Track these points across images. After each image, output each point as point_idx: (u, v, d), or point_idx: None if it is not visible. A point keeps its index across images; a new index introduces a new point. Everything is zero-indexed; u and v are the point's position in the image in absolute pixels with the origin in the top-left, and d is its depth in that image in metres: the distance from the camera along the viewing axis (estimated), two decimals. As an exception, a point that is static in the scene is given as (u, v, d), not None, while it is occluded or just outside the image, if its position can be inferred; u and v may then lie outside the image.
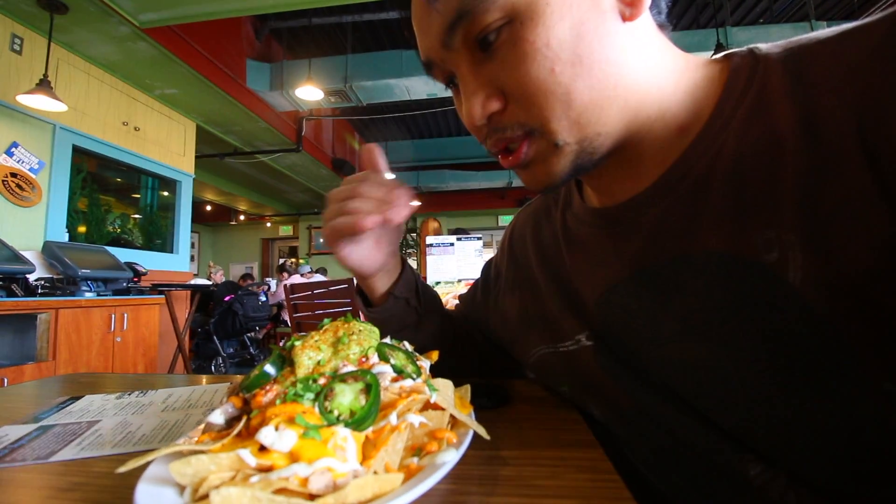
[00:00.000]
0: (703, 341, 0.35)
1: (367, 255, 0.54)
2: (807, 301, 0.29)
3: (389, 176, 0.51)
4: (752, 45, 0.38)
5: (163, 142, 4.28)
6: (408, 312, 0.61)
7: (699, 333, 0.35)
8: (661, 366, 0.39)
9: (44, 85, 2.71)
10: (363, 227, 0.44)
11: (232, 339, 5.07)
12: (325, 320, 0.41)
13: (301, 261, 9.39)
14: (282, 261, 8.42)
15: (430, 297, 0.64)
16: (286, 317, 5.01)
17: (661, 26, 0.40)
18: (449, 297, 2.74)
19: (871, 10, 4.68)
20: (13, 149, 2.92)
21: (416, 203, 0.47)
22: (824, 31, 0.34)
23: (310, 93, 4.45)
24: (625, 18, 0.36)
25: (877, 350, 0.28)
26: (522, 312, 0.57)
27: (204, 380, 0.67)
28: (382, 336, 0.42)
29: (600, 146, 0.38)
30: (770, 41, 0.37)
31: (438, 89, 4.96)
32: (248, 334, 5.20)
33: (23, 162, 2.98)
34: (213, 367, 4.81)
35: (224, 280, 6.14)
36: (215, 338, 4.82)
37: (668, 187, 0.38)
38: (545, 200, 0.60)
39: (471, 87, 0.38)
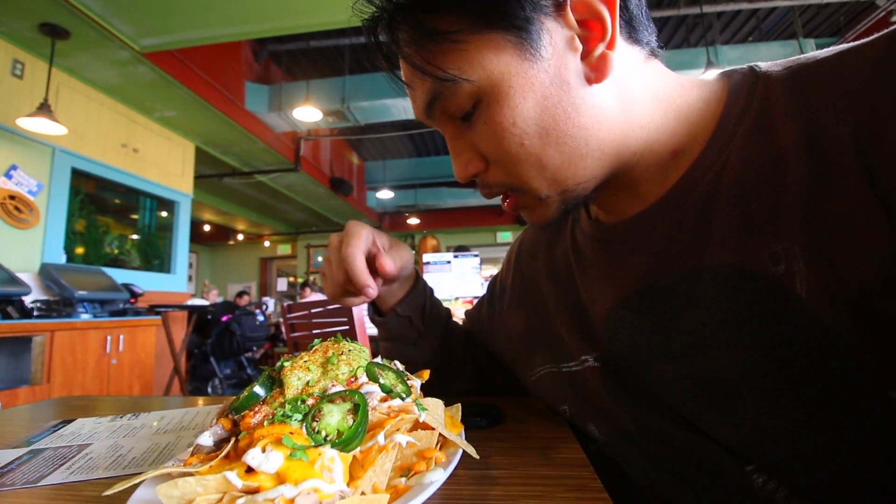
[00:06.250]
0: (713, 354, 0.35)
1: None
2: (814, 312, 0.30)
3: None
4: (752, 63, 0.39)
5: (162, 163, 4.30)
6: (409, 329, 0.62)
7: (710, 346, 0.35)
8: (668, 381, 0.39)
9: (44, 108, 2.75)
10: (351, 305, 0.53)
11: (229, 359, 5.02)
12: (316, 340, 0.41)
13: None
14: (312, 278, 8.37)
15: (435, 316, 0.65)
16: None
17: (652, 53, 0.41)
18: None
19: (856, 28, 4.78)
20: (12, 171, 2.94)
21: (374, 293, 0.50)
22: (824, 51, 0.35)
23: (308, 114, 4.50)
24: (591, 82, 0.37)
25: (882, 359, 0.28)
26: (527, 330, 0.57)
27: (199, 401, 0.67)
28: (383, 344, 0.42)
29: (584, 190, 0.40)
30: (759, 59, 0.38)
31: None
32: (246, 354, 5.15)
33: (21, 184, 2.99)
34: (209, 389, 4.75)
35: (219, 299, 6.09)
36: (212, 359, 4.77)
37: (674, 203, 0.39)
38: None
39: (454, 151, 0.42)
